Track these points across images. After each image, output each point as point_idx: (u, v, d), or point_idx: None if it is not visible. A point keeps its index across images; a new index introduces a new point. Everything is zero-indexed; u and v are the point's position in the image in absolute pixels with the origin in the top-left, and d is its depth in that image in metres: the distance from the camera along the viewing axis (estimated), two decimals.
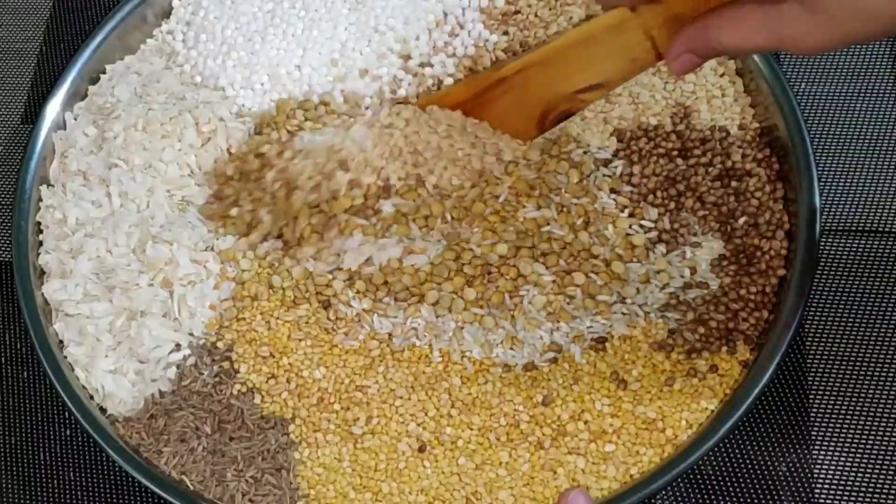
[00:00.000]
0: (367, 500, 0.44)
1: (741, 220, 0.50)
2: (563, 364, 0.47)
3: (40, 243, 0.50)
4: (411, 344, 0.46)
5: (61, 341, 0.47)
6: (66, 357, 0.46)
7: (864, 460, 0.48)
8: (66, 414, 0.50)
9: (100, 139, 0.51)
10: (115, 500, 0.51)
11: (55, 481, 0.52)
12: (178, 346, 0.47)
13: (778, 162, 0.52)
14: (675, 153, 0.53)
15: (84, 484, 0.52)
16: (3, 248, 0.58)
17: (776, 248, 0.49)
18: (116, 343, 0.46)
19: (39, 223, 0.50)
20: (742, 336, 0.47)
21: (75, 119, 0.52)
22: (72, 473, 0.52)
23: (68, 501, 0.51)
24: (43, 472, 0.52)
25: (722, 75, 0.55)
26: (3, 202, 0.59)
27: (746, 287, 0.48)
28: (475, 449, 0.45)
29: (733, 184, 0.51)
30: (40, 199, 0.51)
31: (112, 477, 0.51)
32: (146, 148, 0.49)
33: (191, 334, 0.47)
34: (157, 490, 0.43)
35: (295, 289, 0.47)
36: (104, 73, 0.55)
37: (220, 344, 0.46)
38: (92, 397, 0.46)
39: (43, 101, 0.55)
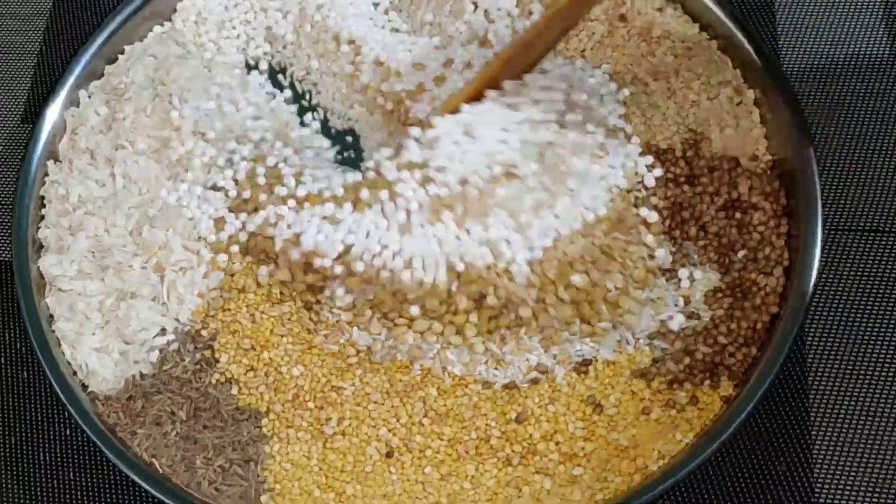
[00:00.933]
0: (329, 499, 0.48)
1: (741, 254, 0.53)
2: (543, 383, 0.50)
3: (42, 217, 0.55)
4: (392, 357, 0.50)
5: (51, 316, 0.52)
6: (54, 332, 0.51)
7: (864, 460, 0.52)
8: (66, 413, 0.53)
9: (110, 119, 0.56)
10: (114, 501, 0.55)
11: (55, 481, 0.56)
12: (163, 331, 0.52)
13: (786, 196, 0.54)
14: (682, 179, 0.56)
15: (84, 484, 0.56)
16: (3, 249, 0.63)
17: (772, 284, 0.52)
18: (104, 322, 0.52)
19: (43, 197, 0.55)
20: (727, 371, 0.50)
21: (89, 97, 0.58)
22: (72, 473, 0.56)
23: (68, 501, 0.55)
24: (43, 472, 0.56)
25: (739, 104, 0.58)
26: (2, 202, 0.64)
27: (738, 321, 0.52)
28: (443, 459, 0.49)
29: (737, 215, 0.55)
30: (46, 175, 0.56)
31: (112, 477, 0.55)
32: (150, 136, 0.54)
33: (177, 320, 0.52)
34: (125, 470, 0.48)
35: (281, 285, 0.51)
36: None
37: (204, 332, 0.51)
38: (75, 373, 0.51)
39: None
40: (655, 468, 0.48)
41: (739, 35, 0.60)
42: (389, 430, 0.50)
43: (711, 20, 0.61)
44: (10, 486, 0.56)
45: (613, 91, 0.59)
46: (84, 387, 0.53)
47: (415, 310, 0.51)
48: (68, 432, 0.57)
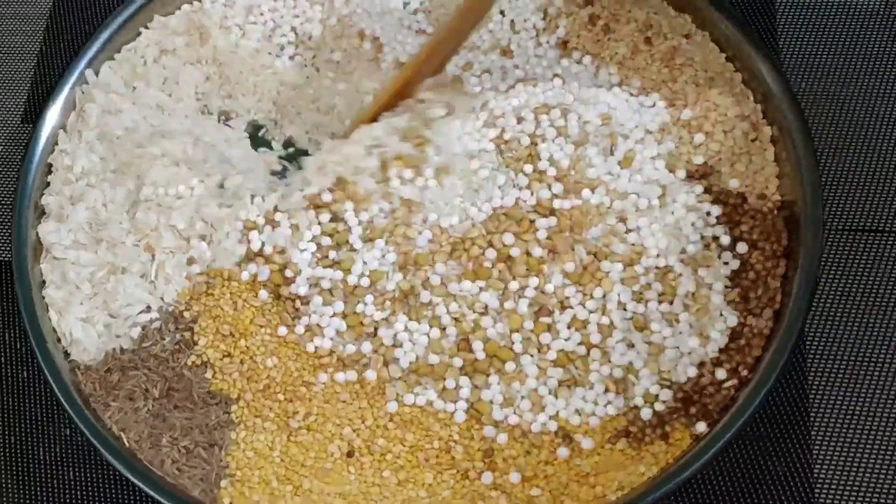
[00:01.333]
0: (286, 492, 0.51)
1: (734, 292, 0.54)
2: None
3: (47, 184, 0.59)
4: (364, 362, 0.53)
5: (43, 281, 0.55)
6: (43, 298, 0.54)
7: (864, 460, 0.54)
8: (66, 414, 0.55)
9: (126, 97, 0.60)
10: (114, 501, 0.58)
11: (55, 481, 0.59)
12: (147, 308, 0.55)
13: (788, 237, 0.55)
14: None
15: (84, 484, 0.58)
16: (2, 248, 0.66)
17: (760, 326, 0.53)
18: (93, 293, 0.55)
19: (51, 165, 0.59)
20: (703, 410, 0.51)
21: (96, 75, 0.61)
22: (72, 473, 0.59)
23: (68, 501, 0.58)
24: (43, 471, 0.59)
25: (754, 140, 0.59)
26: (2, 202, 0.68)
27: (722, 365, 0.52)
28: (402, 465, 0.51)
29: (737, 252, 0.55)
30: (55, 144, 0.60)
31: (112, 477, 0.58)
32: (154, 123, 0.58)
33: (162, 299, 0.55)
34: (93, 440, 0.53)
35: (276, 272, 0.54)
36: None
37: (186, 314, 0.55)
38: (59, 341, 0.54)
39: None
40: (614, 498, 0.50)
41: (765, 69, 0.61)
42: (353, 430, 0.53)
43: (739, 51, 0.63)
44: (9, 485, 0.59)
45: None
46: (66, 354, 0.56)
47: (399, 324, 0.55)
48: (68, 432, 0.60)
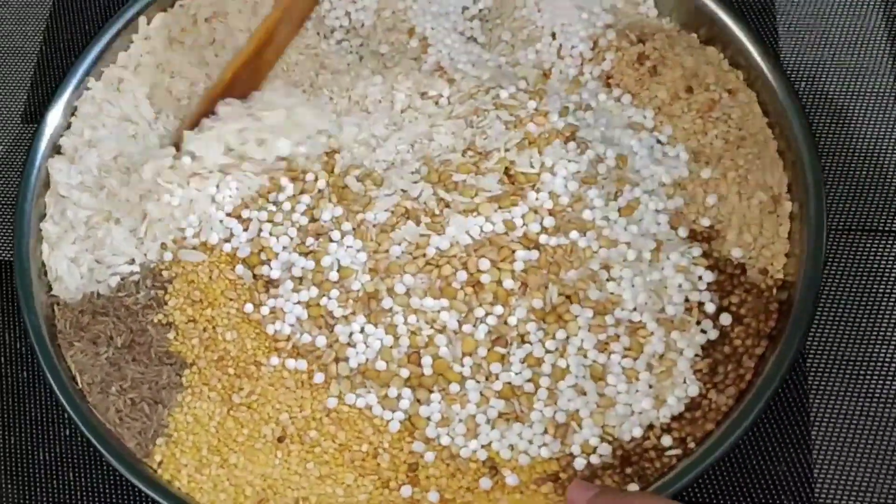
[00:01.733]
0: (212, 461, 0.55)
1: (704, 362, 0.55)
2: None
3: (69, 125, 0.67)
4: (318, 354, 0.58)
5: (43, 214, 0.61)
6: (40, 230, 0.60)
7: (864, 460, 0.58)
8: (66, 415, 0.59)
9: (170, 52, 0.69)
10: (114, 501, 0.62)
11: (55, 481, 0.63)
12: (131, 261, 0.61)
13: (777, 319, 0.56)
14: None
15: (84, 484, 0.63)
16: (2, 248, 0.71)
17: (720, 402, 0.55)
18: (86, 236, 0.61)
19: (76, 108, 0.65)
20: (639, 472, 0.52)
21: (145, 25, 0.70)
22: (71, 473, 0.63)
23: (68, 501, 0.62)
24: (42, 472, 0.63)
25: (771, 212, 0.59)
26: (3, 202, 0.73)
27: (671, 432, 0.53)
28: (327, 461, 0.55)
29: (719, 323, 0.56)
30: (86, 89, 0.68)
31: (112, 477, 0.63)
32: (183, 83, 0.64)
33: (145, 255, 0.59)
34: (48, 375, 0.59)
35: (254, 253, 0.59)
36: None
37: (164, 273, 0.60)
38: (46, 274, 0.59)
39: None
40: None
41: (802, 141, 0.61)
42: (290, 417, 0.57)
43: (781, 119, 0.64)
44: (9, 485, 0.63)
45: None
46: (49, 288, 0.61)
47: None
48: (68, 432, 0.64)
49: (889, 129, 0.67)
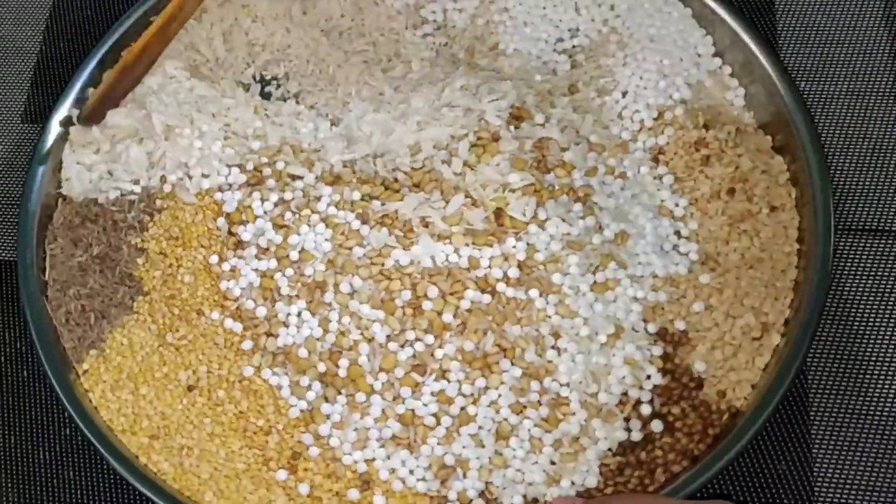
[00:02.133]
0: (126, 386, 0.64)
1: (615, 460, 0.57)
2: None
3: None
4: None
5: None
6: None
7: (864, 460, 0.62)
8: (66, 414, 0.64)
9: None
10: (114, 500, 0.66)
11: (55, 480, 0.66)
12: (136, 181, 0.66)
13: (710, 445, 0.59)
14: None
15: (84, 483, 0.67)
16: (2, 248, 0.76)
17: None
18: (109, 145, 0.67)
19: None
20: None
21: None
22: (71, 473, 0.66)
23: (68, 501, 0.66)
24: (42, 471, 0.67)
25: (756, 339, 0.62)
26: (3, 201, 0.77)
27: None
28: (223, 422, 0.61)
29: (648, 427, 0.60)
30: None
31: (112, 477, 0.67)
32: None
33: (150, 180, 0.66)
34: (21, 269, 0.67)
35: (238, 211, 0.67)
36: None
37: (157, 202, 0.65)
38: (61, 170, 0.67)
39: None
40: None
41: (815, 279, 0.62)
42: (207, 371, 0.63)
43: (811, 247, 0.63)
44: (9, 485, 0.66)
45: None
46: (59, 186, 0.71)
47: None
48: (68, 432, 0.68)
49: (892, 128, 0.71)
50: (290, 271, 0.64)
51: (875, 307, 0.66)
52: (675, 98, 0.70)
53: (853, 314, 0.66)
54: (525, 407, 0.60)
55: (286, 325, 0.63)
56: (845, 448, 0.62)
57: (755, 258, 0.64)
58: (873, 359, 0.64)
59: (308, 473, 0.60)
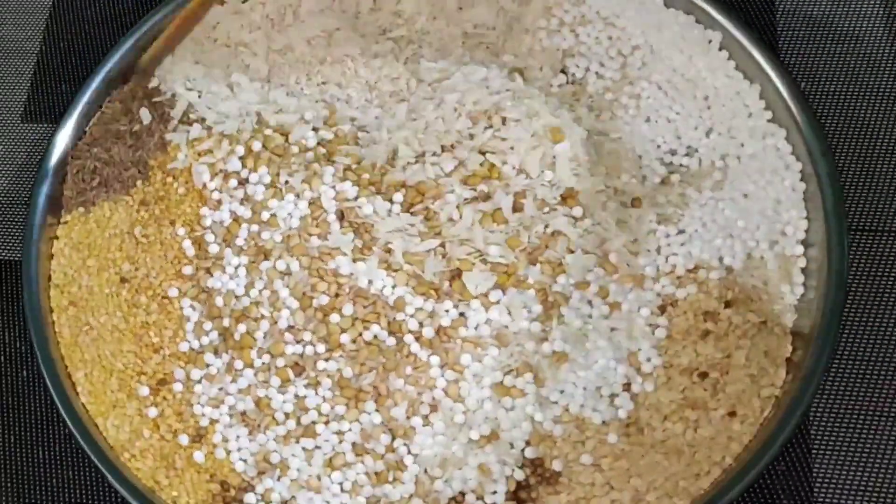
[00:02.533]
0: (83, 248, 0.72)
1: None
2: None
3: None
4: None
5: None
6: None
7: (864, 460, 0.65)
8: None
9: None
10: (114, 500, 0.69)
11: (55, 480, 0.69)
12: (199, 95, 0.77)
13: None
14: None
15: (84, 483, 0.69)
16: (2, 248, 0.79)
17: None
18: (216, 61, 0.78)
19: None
20: None
21: None
22: (71, 472, 0.69)
23: (68, 501, 0.68)
24: (42, 471, 0.69)
25: None
26: (2, 201, 0.80)
27: None
28: (128, 321, 0.70)
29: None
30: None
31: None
32: None
33: (223, 102, 0.76)
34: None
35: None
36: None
37: (202, 127, 0.75)
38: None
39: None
40: None
41: None
42: (146, 274, 0.71)
43: None
44: (9, 485, 0.69)
45: None
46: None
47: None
48: (67, 431, 0.67)
49: (891, 129, 0.75)
50: (254, 227, 0.69)
51: (876, 307, 0.69)
52: (724, 262, 0.68)
53: (854, 314, 0.69)
54: (367, 453, 0.63)
55: (223, 271, 0.69)
56: (845, 449, 0.65)
57: (675, 449, 0.63)
58: (873, 358, 0.67)
59: (163, 402, 0.66)
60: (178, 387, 0.67)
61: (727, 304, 0.67)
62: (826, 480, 0.65)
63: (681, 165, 0.73)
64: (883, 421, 0.65)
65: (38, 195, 0.73)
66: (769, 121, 0.72)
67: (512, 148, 0.68)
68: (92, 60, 0.83)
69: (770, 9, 0.79)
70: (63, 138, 0.75)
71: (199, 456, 0.65)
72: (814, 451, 0.65)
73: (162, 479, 0.65)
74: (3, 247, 0.79)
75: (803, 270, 0.68)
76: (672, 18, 0.75)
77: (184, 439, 0.65)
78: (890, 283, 0.70)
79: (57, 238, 0.73)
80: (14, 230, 0.79)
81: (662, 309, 0.67)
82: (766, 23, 0.79)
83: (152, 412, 0.66)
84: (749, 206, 0.70)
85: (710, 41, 0.74)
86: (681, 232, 0.69)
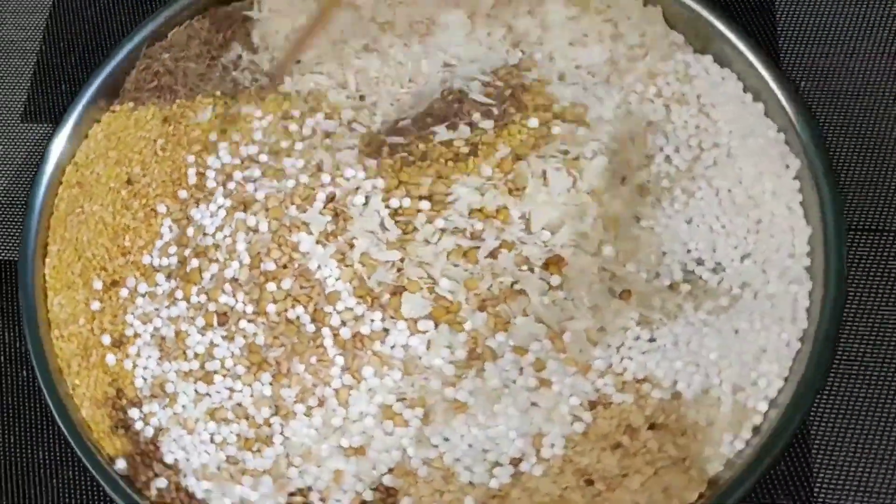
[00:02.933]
0: (104, 141, 0.79)
1: None
2: None
3: None
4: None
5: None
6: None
7: (864, 460, 0.67)
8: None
9: None
10: (115, 501, 0.67)
11: (55, 480, 0.70)
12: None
13: None
14: None
15: (84, 483, 0.70)
16: (2, 248, 0.80)
17: None
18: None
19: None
20: None
21: None
22: (71, 472, 0.70)
23: (68, 501, 0.70)
24: (42, 471, 0.70)
25: None
26: (2, 201, 0.82)
27: None
28: (116, 222, 0.77)
29: None
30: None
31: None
32: None
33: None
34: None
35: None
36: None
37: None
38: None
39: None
40: None
41: None
42: (148, 185, 0.77)
43: None
44: (9, 485, 0.70)
45: None
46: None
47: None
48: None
49: (892, 129, 0.76)
50: (249, 172, 0.74)
51: (876, 306, 0.70)
52: (677, 387, 0.67)
53: (853, 313, 0.70)
54: (246, 417, 0.68)
55: (207, 207, 0.74)
56: (846, 449, 0.66)
57: None
58: (873, 358, 0.68)
59: (107, 300, 0.71)
60: (124, 292, 0.73)
61: (651, 427, 0.67)
62: (826, 480, 0.66)
63: (700, 277, 0.71)
64: (883, 421, 0.67)
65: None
66: (806, 268, 0.69)
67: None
68: (92, 60, 0.85)
69: (770, 9, 0.81)
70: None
71: (111, 358, 0.71)
72: (814, 451, 0.66)
73: (73, 365, 0.71)
74: (2, 247, 0.81)
75: (755, 428, 0.66)
76: (764, 128, 0.74)
77: (106, 339, 0.71)
78: (890, 283, 0.72)
79: (98, 122, 0.80)
80: (14, 230, 0.81)
81: (593, 405, 0.67)
82: (765, 23, 0.81)
83: (95, 305, 0.73)
84: (733, 343, 0.68)
85: (787, 166, 0.72)
86: (651, 340, 0.69)
